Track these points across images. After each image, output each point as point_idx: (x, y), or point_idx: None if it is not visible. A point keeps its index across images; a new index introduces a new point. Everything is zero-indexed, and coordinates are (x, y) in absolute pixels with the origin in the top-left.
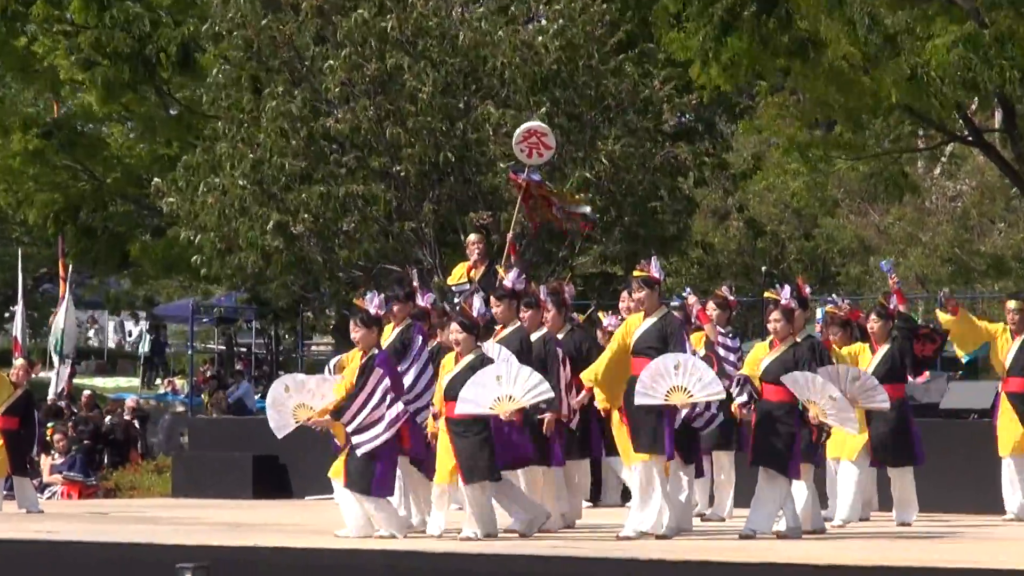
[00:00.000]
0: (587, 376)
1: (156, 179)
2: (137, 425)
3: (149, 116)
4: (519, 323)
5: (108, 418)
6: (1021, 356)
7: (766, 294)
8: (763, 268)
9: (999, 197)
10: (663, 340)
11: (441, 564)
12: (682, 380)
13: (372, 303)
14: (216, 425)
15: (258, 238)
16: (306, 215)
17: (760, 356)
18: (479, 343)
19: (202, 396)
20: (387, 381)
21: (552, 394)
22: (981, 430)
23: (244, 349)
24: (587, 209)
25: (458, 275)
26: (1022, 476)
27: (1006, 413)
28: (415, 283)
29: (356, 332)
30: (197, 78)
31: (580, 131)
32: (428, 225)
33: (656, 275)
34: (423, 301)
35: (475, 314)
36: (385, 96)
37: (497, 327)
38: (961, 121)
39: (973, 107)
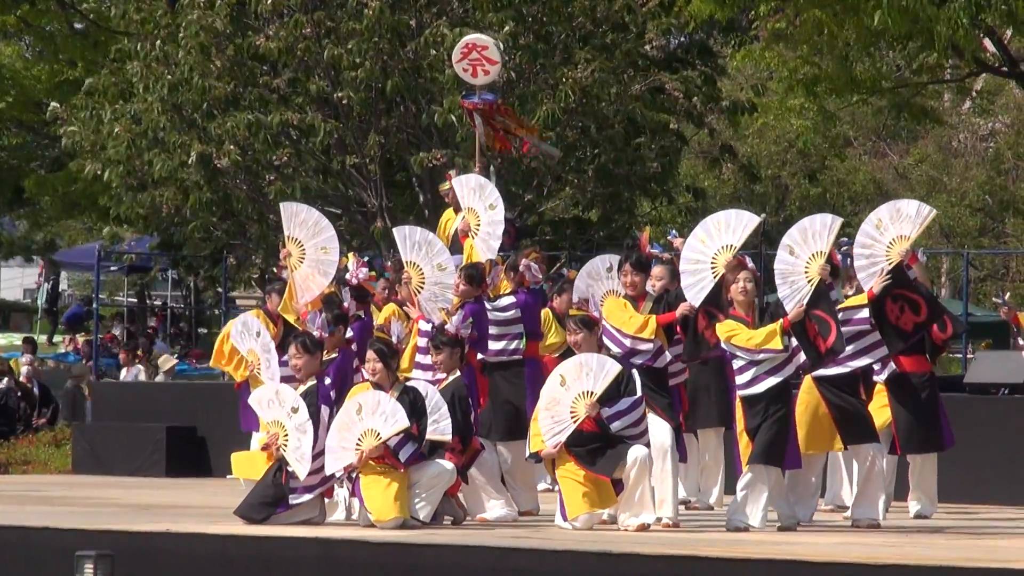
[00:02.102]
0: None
1: (54, 104)
2: (36, 391)
3: (48, 31)
4: (459, 375)
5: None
6: None
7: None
8: (762, 215)
9: None
10: None
11: (378, 553)
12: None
13: (315, 324)
14: (124, 391)
15: (176, 171)
16: (231, 146)
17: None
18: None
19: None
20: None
21: (407, 423)
22: (1012, 408)
23: (159, 303)
24: (553, 150)
25: (443, 224)
26: None
27: None
28: (346, 303)
29: (297, 359)
30: None
31: (550, 54)
32: (373, 161)
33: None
34: (356, 277)
35: (454, 327)
36: (324, 11)
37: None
38: (993, 48)
39: (1008, 34)
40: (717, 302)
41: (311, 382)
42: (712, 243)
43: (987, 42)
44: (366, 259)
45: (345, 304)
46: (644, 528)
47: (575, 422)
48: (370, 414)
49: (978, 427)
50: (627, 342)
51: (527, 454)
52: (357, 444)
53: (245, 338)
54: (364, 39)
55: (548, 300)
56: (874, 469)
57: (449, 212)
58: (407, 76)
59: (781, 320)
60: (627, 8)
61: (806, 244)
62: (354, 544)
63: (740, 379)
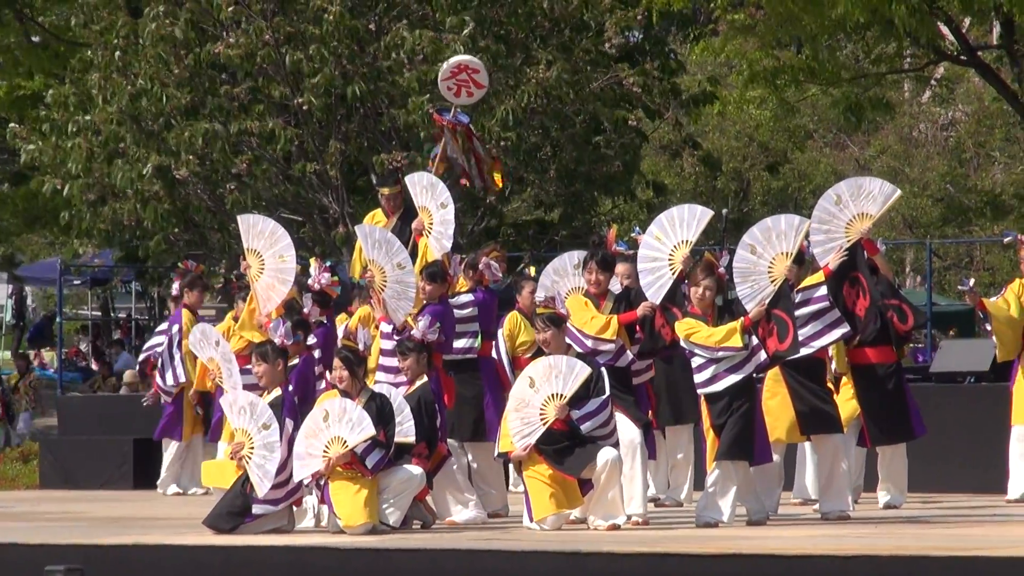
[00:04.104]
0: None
1: (12, 124)
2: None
3: (7, 44)
4: (427, 380)
5: None
6: None
7: (706, 254)
8: (723, 211)
9: (997, 125)
10: None
11: (348, 559)
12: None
13: (277, 333)
14: (90, 405)
15: (135, 183)
16: (191, 156)
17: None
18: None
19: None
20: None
21: (373, 431)
22: (978, 396)
23: (123, 315)
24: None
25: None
26: None
27: None
28: (307, 308)
29: (258, 367)
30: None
31: (509, 55)
32: (334, 167)
33: (722, 269)
34: (319, 282)
35: (420, 333)
36: (284, 17)
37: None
38: (953, 37)
39: (967, 22)
40: (675, 299)
41: (276, 392)
42: (668, 240)
43: (945, 30)
44: (329, 264)
45: (306, 310)
46: (615, 528)
47: (544, 424)
48: (336, 421)
49: (945, 416)
50: (589, 343)
51: (496, 454)
52: (324, 451)
53: (204, 347)
54: (324, 44)
55: (515, 302)
56: (839, 461)
57: (379, 214)
58: (368, 80)
59: (741, 319)
60: (585, 5)
61: (770, 244)
62: (323, 551)
63: (699, 377)
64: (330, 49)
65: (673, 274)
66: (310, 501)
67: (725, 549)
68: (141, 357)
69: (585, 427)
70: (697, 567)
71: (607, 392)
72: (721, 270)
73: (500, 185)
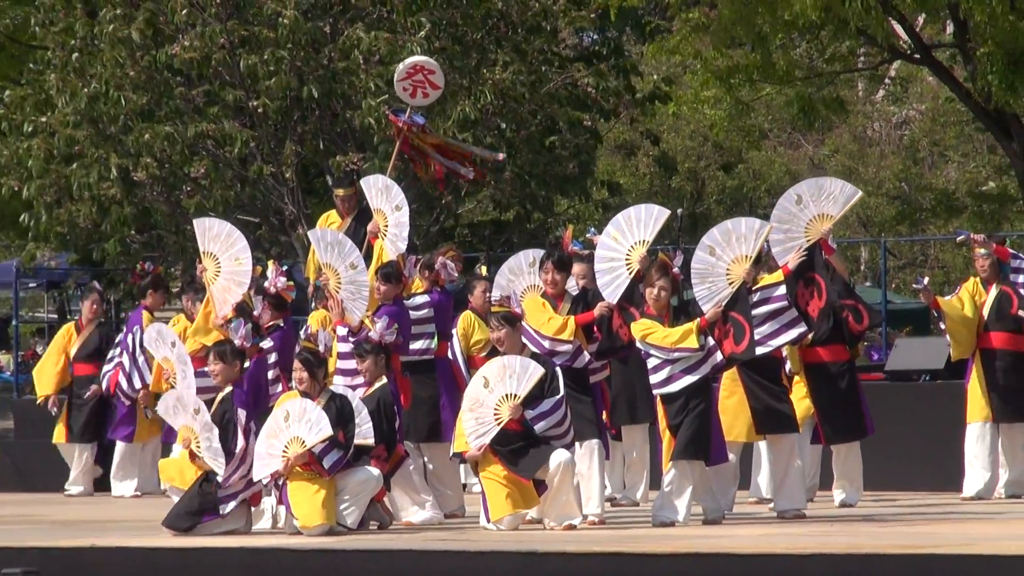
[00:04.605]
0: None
1: None
2: None
3: None
4: (385, 382)
5: None
6: (997, 306)
7: (660, 254)
8: (679, 211)
9: (952, 123)
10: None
11: (305, 560)
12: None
13: (238, 334)
14: (46, 407)
15: (95, 185)
16: (149, 159)
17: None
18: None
19: None
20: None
21: (331, 431)
22: (933, 393)
23: (79, 317)
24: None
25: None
26: (986, 447)
27: (981, 374)
28: (257, 311)
29: (215, 366)
30: (22, 0)
31: (464, 56)
32: (289, 168)
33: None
34: (275, 285)
35: (378, 334)
36: (239, 20)
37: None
38: (905, 36)
39: (920, 20)
40: (632, 299)
41: (228, 388)
42: (625, 240)
43: (899, 29)
44: (285, 268)
45: (256, 312)
46: (571, 528)
47: (499, 424)
48: (296, 421)
49: (899, 414)
50: (546, 344)
51: (451, 454)
52: (283, 451)
53: (159, 346)
54: (279, 47)
55: (467, 302)
56: (793, 460)
57: (333, 215)
58: (323, 82)
59: (698, 319)
60: (543, 12)
61: (729, 246)
62: (280, 552)
63: (655, 378)
64: (285, 52)
65: (630, 274)
66: (268, 502)
67: (681, 548)
68: (106, 371)
69: (539, 427)
70: (653, 566)
71: (561, 392)
72: (675, 270)
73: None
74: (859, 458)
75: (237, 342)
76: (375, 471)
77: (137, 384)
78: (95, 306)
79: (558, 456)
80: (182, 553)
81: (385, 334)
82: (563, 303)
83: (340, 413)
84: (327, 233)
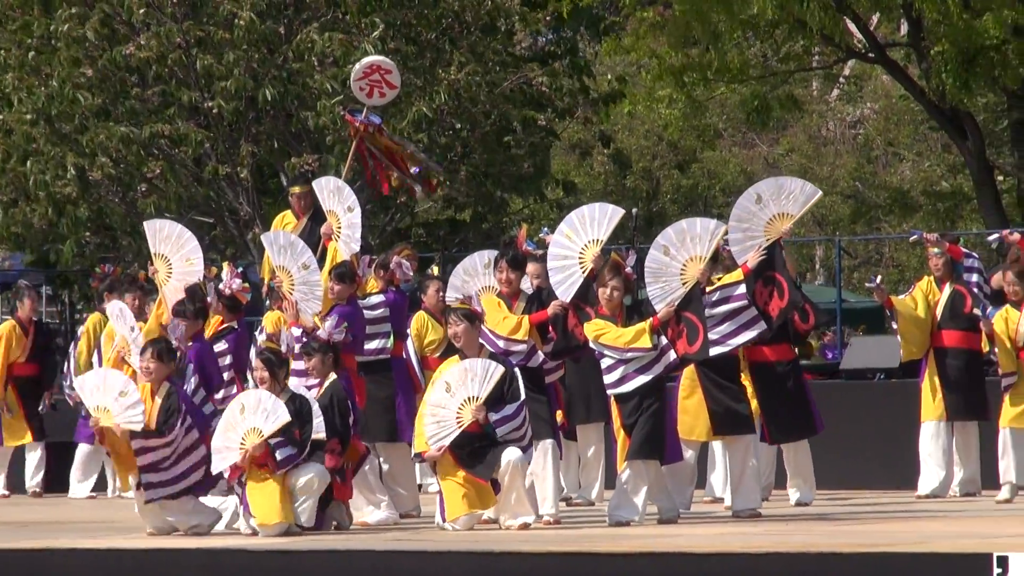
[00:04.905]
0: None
1: None
2: None
3: None
4: (336, 378)
5: None
6: (950, 305)
7: (612, 254)
8: (633, 210)
9: (906, 122)
10: None
11: (262, 561)
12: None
13: (175, 334)
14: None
15: (52, 184)
16: (105, 159)
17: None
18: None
19: None
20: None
21: (288, 418)
22: (887, 392)
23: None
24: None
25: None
26: (940, 446)
27: (935, 373)
28: (210, 296)
29: (151, 363)
30: None
31: (419, 56)
32: (245, 169)
33: (628, 269)
34: (230, 287)
35: (326, 333)
36: (195, 21)
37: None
38: (860, 35)
39: (875, 19)
40: (587, 298)
41: (166, 385)
42: (579, 238)
43: (853, 28)
44: (240, 269)
45: (208, 298)
46: (525, 527)
47: (460, 427)
48: (252, 412)
49: (854, 412)
50: (500, 343)
51: (412, 454)
52: (241, 443)
53: (121, 324)
54: (235, 48)
55: (421, 302)
56: (749, 460)
57: (288, 215)
58: (278, 83)
59: (650, 319)
60: (496, 11)
61: (684, 246)
62: (237, 553)
63: (608, 378)
64: (241, 52)
65: (584, 272)
66: (232, 500)
67: (636, 548)
68: (71, 386)
69: (500, 431)
70: (609, 566)
71: (522, 396)
72: (628, 270)
73: (435, 184)
74: (809, 456)
75: (173, 342)
76: (320, 467)
77: None
78: (33, 304)
79: (508, 455)
80: (138, 554)
81: (333, 333)
82: (518, 302)
83: (299, 413)
84: (279, 235)
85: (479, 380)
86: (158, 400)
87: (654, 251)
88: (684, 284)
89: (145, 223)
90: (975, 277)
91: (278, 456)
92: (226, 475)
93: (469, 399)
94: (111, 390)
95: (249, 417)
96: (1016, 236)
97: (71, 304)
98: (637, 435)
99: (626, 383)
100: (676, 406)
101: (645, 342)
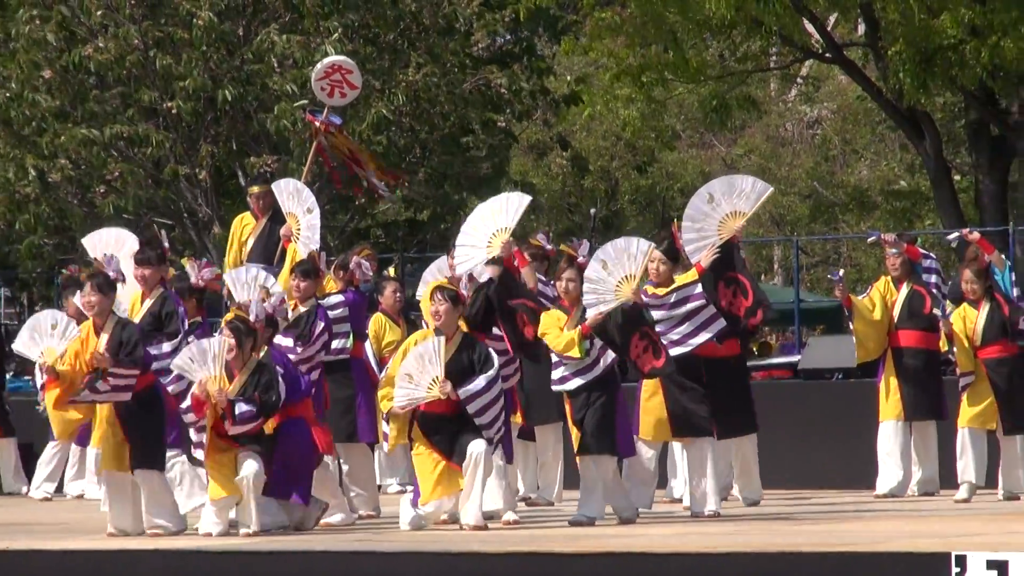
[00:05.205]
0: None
1: None
2: None
3: None
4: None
5: None
6: (908, 305)
7: (561, 247)
8: (592, 211)
9: (863, 122)
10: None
11: (219, 563)
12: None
13: (110, 265)
14: None
15: (12, 183)
16: (64, 161)
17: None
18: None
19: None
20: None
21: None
22: (846, 392)
23: None
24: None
25: (238, 231)
26: (898, 445)
27: (893, 373)
28: (166, 244)
29: (92, 296)
30: None
31: (378, 58)
32: (204, 170)
33: (582, 259)
34: (200, 276)
35: (252, 316)
36: (153, 22)
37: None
38: (817, 35)
39: (832, 19)
40: (516, 291)
41: (114, 317)
42: (485, 227)
43: (811, 28)
44: (204, 260)
45: (193, 279)
46: (481, 528)
47: (428, 396)
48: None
49: (812, 412)
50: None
51: (384, 414)
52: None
53: (44, 337)
54: (194, 48)
55: (377, 304)
56: (706, 461)
57: (247, 216)
58: (237, 84)
59: (579, 327)
60: (453, 14)
61: (620, 264)
62: (196, 555)
63: (553, 375)
64: (199, 53)
65: (491, 256)
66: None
67: (597, 548)
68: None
69: (471, 407)
70: (569, 566)
71: (493, 371)
72: (581, 259)
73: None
74: (755, 454)
75: (111, 274)
76: (255, 465)
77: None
78: None
79: (473, 446)
80: (97, 556)
81: (277, 309)
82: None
83: (263, 382)
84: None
85: (431, 359)
86: (104, 336)
87: (594, 262)
88: (616, 299)
89: (83, 241)
90: (934, 278)
91: (236, 411)
92: (188, 415)
93: (434, 380)
94: (43, 330)
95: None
96: (976, 235)
97: (30, 306)
98: (585, 430)
99: (567, 383)
100: (638, 404)
101: (575, 352)
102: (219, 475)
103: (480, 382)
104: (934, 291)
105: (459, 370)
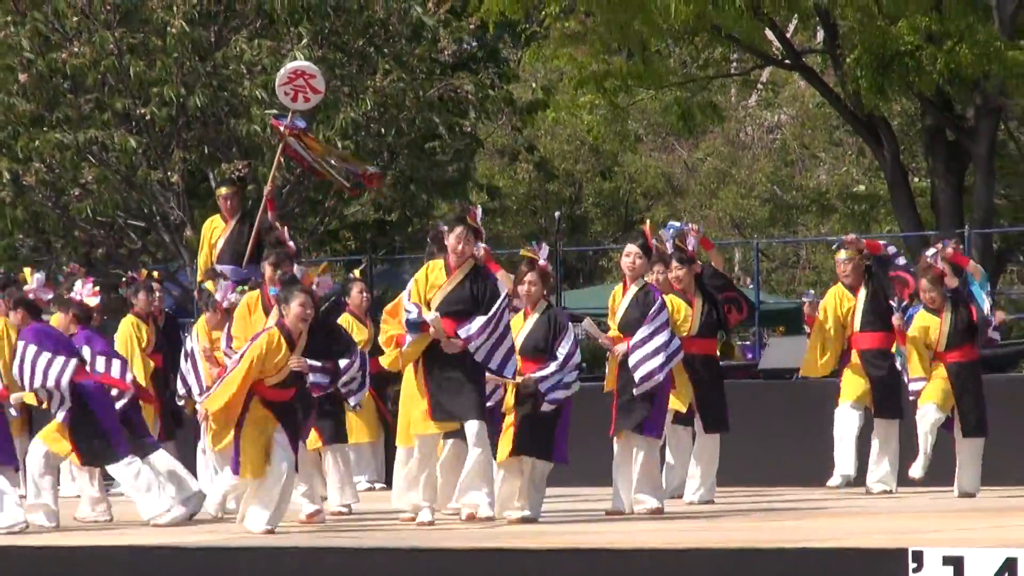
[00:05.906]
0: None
1: None
2: None
3: None
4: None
5: None
6: (869, 309)
7: (522, 251)
8: (556, 214)
9: (822, 127)
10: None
11: (191, 560)
12: None
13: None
14: None
15: None
16: (39, 165)
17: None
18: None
19: None
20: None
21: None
22: (804, 392)
23: None
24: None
25: (208, 234)
26: (854, 428)
27: (857, 368)
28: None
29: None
30: None
31: (347, 64)
32: (176, 174)
33: (543, 262)
34: (81, 294)
35: (221, 299)
36: (128, 28)
37: None
38: (777, 42)
39: (791, 27)
40: None
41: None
42: None
43: (771, 35)
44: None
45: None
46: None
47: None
48: None
49: (772, 411)
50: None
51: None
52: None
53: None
54: (167, 55)
55: (344, 305)
56: (651, 458)
57: (217, 219)
58: (208, 91)
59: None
60: (420, 22)
61: None
62: (166, 551)
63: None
64: (172, 60)
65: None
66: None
67: (562, 544)
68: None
69: (472, 345)
70: (534, 562)
71: (495, 309)
72: (542, 263)
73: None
74: (716, 455)
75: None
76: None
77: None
78: None
79: (471, 427)
80: (69, 551)
81: (228, 296)
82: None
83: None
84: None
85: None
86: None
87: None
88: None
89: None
90: (902, 260)
91: (310, 379)
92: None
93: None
94: None
95: None
96: (950, 251)
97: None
98: (519, 431)
99: None
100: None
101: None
102: (252, 452)
103: (478, 322)
104: (903, 275)
105: (462, 300)
